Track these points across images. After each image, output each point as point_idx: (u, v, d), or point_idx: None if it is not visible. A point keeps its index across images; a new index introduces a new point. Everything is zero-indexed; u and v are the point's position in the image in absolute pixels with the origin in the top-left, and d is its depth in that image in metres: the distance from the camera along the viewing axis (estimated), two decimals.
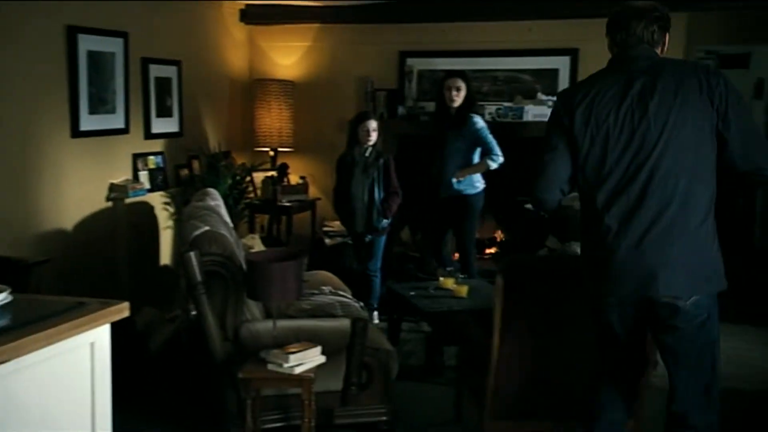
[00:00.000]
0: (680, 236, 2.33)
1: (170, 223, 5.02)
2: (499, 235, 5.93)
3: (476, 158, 4.85)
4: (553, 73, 5.52)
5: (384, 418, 3.38)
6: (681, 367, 2.50)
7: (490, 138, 4.80)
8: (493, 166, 4.80)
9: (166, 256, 5.02)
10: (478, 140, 4.82)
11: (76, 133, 4.18)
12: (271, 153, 5.85)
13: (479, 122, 4.84)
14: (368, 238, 4.83)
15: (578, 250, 4.07)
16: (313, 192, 5.87)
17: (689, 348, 2.44)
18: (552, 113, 2.60)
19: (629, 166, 2.36)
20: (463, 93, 4.79)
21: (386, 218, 4.83)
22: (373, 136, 4.72)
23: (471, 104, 4.87)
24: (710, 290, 2.42)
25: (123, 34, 4.49)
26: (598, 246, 2.43)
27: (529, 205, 3.48)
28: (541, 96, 5.45)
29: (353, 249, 5.05)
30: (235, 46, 5.93)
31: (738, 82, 8.50)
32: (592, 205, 2.43)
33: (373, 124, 4.72)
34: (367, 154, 4.76)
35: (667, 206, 2.32)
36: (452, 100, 4.79)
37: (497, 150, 4.79)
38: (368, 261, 4.92)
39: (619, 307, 2.47)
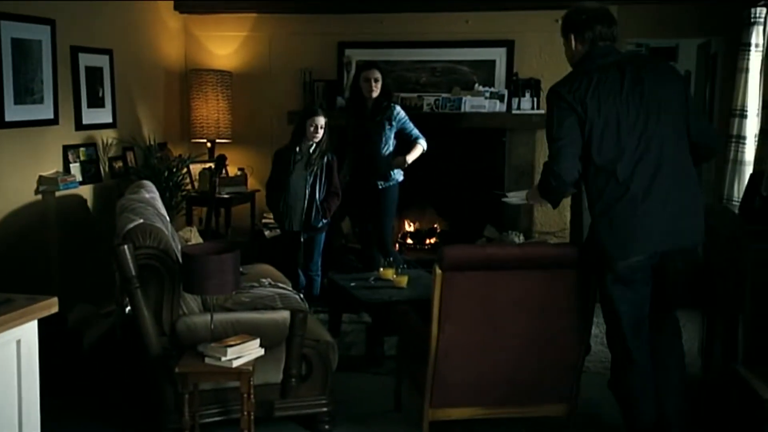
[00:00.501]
0: (689, 193, 2.92)
1: (104, 216, 4.89)
2: (438, 225, 5.98)
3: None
4: (490, 64, 5.59)
5: (324, 409, 3.38)
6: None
7: (412, 125, 4.93)
8: (425, 146, 4.92)
9: (100, 250, 4.89)
10: (403, 129, 4.90)
11: (2, 123, 4.03)
12: (209, 144, 5.76)
13: (401, 111, 4.93)
14: (304, 236, 4.77)
15: (516, 240, 4.14)
16: (252, 184, 5.81)
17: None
18: (558, 105, 2.92)
19: (640, 140, 2.82)
20: (379, 84, 4.82)
21: (326, 218, 4.78)
22: (320, 133, 4.63)
23: (388, 95, 4.92)
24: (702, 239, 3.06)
25: (50, 22, 4.35)
26: (625, 212, 2.82)
27: (508, 199, 3.59)
28: (478, 87, 5.51)
29: (286, 248, 4.92)
30: (170, 36, 5.81)
31: None
32: (612, 179, 2.83)
33: (321, 120, 4.62)
34: (311, 151, 4.68)
35: (679, 170, 2.86)
36: (370, 91, 4.80)
37: (420, 134, 4.92)
38: (308, 262, 4.86)
39: (648, 261, 2.88)
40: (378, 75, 4.81)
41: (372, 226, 5.05)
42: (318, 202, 4.70)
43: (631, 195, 2.81)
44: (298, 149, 4.66)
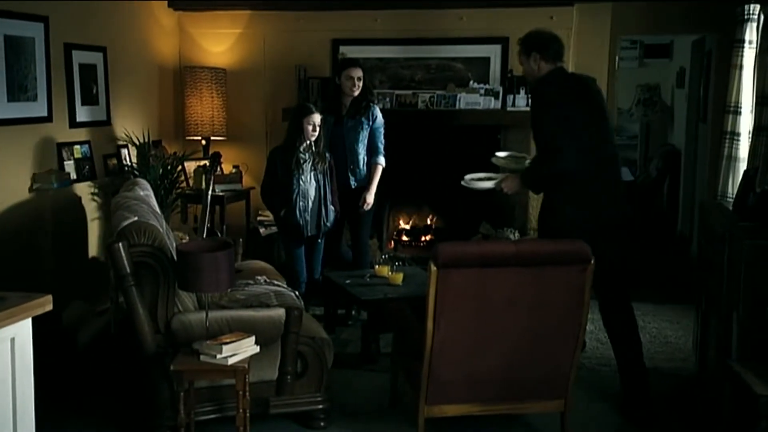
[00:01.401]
0: (619, 183, 3.74)
1: (98, 214, 4.88)
2: (433, 222, 5.99)
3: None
4: (485, 61, 5.59)
5: (320, 406, 3.38)
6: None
7: (383, 137, 4.78)
8: (383, 165, 4.78)
9: (94, 248, 4.89)
10: (374, 134, 4.74)
11: None
12: (203, 142, 5.75)
13: (380, 115, 4.78)
14: (321, 240, 4.60)
15: (511, 237, 4.27)
16: (247, 181, 5.80)
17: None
18: (554, 103, 3.50)
19: (601, 143, 3.55)
20: (361, 83, 4.69)
21: (337, 216, 4.62)
22: (318, 131, 4.45)
23: (368, 93, 4.80)
24: None
25: (43, 19, 4.33)
26: (592, 203, 3.52)
27: (474, 184, 3.93)
28: (473, 84, 5.51)
29: (295, 253, 4.57)
30: (164, 33, 5.79)
31: (661, 72, 8.83)
32: (585, 172, 3.47)
33: (318, 118, 4.43)
34: (313, 150, 4.47)
35: (616, 164, 3.69)
36: (352, 89, 4.67)
37: (383, 151, 4.78)
38: (318, 264, 4.67)
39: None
40: (360, 73, 4.69)
41: (350, 225, 4.91)
42: (329, 202, 4.51)
43: (597, 187, 3.53)
44: (302, 149, 4.44)
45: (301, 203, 4.43)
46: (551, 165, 3.50)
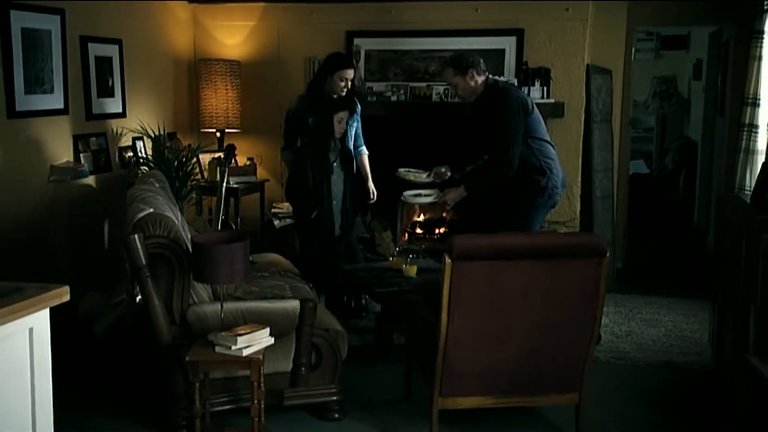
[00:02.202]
0: None
1: (114, 206, 4.91)
2: (447, 214, 5.97)
3: None
4: (500, 53, 5.55)
5: (334, 398, 3.39)
6: None
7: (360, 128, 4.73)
8: (367, 152, 4.75)
9: (110, 240, 4.92)
10: (357, 125, 4.65)
11: (12, 113, 4.04)
12: (218, 134, 5.76)
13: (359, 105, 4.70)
14: (345, 237, 4.53)
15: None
16: (261, 173, 5.80)
17: None
18: (519, 106, 4.06)
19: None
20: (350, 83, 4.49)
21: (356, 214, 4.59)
22: (344, 126, 4.36)
23: (355, 91, 4.65)
24: None
25: (59, 11, 4.35)
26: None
27: (414, 200, 4.35)
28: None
29: (325, 254, 4.49)
30: (179, 25, 5.80)
31: (678, 63, 8.76)
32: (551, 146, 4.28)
33: (344, 113, 4.33)
34: (338, 146, 4.39)
35: None
36: (342, 90, 4.41)
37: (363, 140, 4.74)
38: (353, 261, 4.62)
39: None
40: (353, 74, 4.43)
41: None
42: (351, 199, 4.46)
43: (556, 174, 4.25)
44: (332, 147, 4.34)
45: (334, 203, 4.38)
46: (503, 173, 4.01)
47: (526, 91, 5.38)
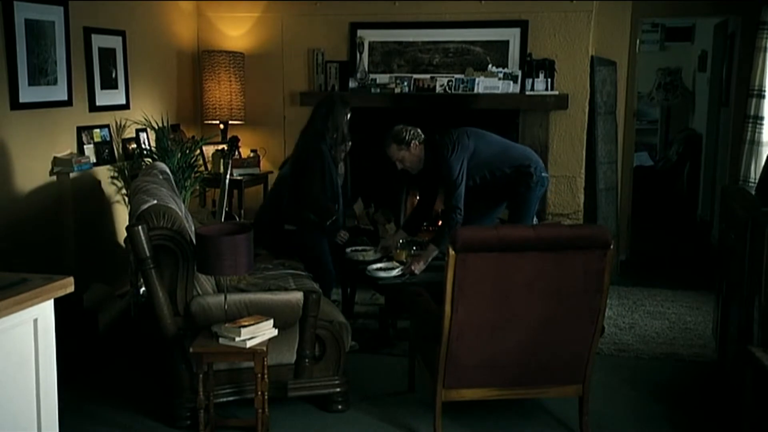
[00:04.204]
0: None
1: (118, 197, 4.91)
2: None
3: None
4: (504, 45, 5.53)
5: (338, 389, 3.40)
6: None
7: None
8: None
9: (114, 232, 4.92)
10: None
11: (16, 105, 4.03)
12: (221, 126, 5.76)
13: None
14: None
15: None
16: (264, 165, 5.80)
17: None
18: (458, 149, 4.24)
19: None
20: None
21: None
22: None
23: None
24: None
25: (63, 2, 4.34)
26: None
27: (379, 273, 4.17)
28: (492, 68, 5.46)
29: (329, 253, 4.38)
30: (182, 17, 5.79)
31: (682, 55, 8.73)
32: (522, 157, 4.46)
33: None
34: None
35: None
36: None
37: None
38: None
39: None
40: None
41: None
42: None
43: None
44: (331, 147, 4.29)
45: (341, 201, 4.36)
46: (456, 218, 4.16)
47: (530, 83, 5.38)
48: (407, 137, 4.28)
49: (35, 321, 1.93)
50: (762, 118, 4.43)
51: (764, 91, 4.41)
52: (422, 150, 4.31)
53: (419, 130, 4.32)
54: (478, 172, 4.31)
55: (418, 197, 5.19)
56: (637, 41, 5.85)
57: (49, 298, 1.95)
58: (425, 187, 4.68)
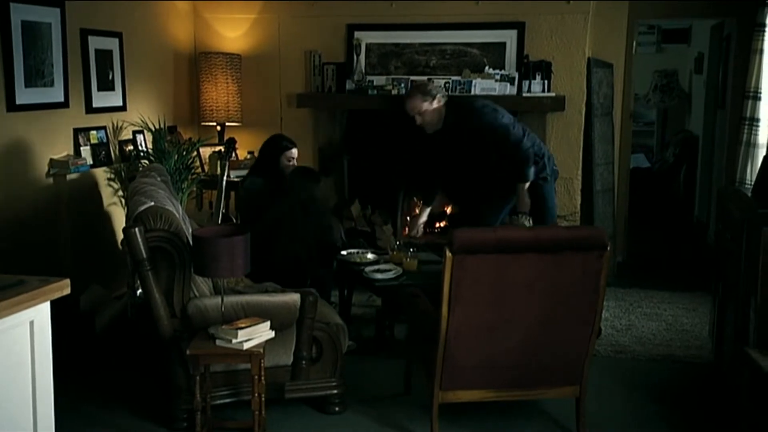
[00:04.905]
0: None
1: (115, 199, 4.91)
2: (448, 208, 5.97)
3: None
4: (501, 46, 5.54)
5: (335, 391, 3.40)
6: None
7: None
8: None
9: (111, 233, 4.92)
10: None
11: (12, 106, 4.03)
12: (218, 128, 5.76)
13: None
14: None
15: (526, 224, 4.45)
16: None
17: None
18: (511, 120, 4.35)
19: None
20: None
21: None
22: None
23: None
24: None
25: (59, 4, 4.34)
26: None
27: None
28: (488, 70, 5.46)
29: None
30: (179, 18, 5.79)
31: (679, 57, 8.71)
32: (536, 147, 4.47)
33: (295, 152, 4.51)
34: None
35: None
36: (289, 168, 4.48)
37: None
38: None
39: None
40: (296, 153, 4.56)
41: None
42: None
43: None
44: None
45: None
46: (529, 166, 4.30)
47: (527, 85, 5.39)
48: (433, 90, 4.28)
49: (31, 323, 1.93)
50: (758, 120, 4.43)
51: (760, 93, 4.41)
52: (444, 109, 4.26)
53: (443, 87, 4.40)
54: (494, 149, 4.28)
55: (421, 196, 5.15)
56: (634, 43, 5.86)
57: (45, 300, 1.95)
58: (441, 154, 4.55)
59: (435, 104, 4.27)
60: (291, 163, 4.51)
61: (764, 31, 4.37)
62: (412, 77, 5.56)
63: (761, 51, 4.38)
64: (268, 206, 4.14)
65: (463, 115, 4.33)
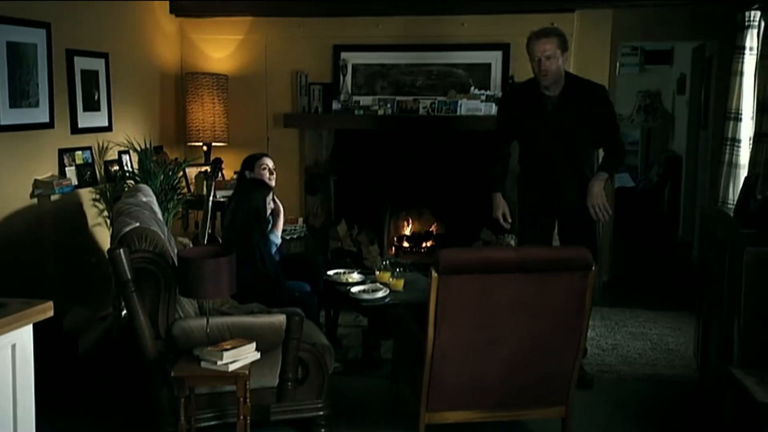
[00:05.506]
0: None
1: (100, 220, 4.88)
2: (434, 228, 5.99)
3: None
4: (486, 67, 5.59)
5: (321, 413, 3.38)
6: None
7: None
8: None
9: (96, 254, 4.88)
10: None
11: None
12: (205, 148, 5.75)
13: None
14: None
15: (512, 243, 4.39)
16: None
17: None
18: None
19: None
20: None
21: None
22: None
23: None
24: None
25: (45, 25, 4.34)
26: None
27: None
28: (474, 90, 5.51)
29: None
30: (166, 39, 5.80)
31: (662, 78, 8.84)
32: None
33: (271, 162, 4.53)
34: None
35: None
36: (270, 179, 4.52)
37: None
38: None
39: None
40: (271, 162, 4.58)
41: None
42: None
43: None
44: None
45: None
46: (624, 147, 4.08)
47: None
48: (565, 44, 3.82)
49: (13, 346, 1.91)
50: (739, 141, 4.49)
51: (741, 114, 4.47)
52: (564, 71, 3.84)
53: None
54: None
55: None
56: (617, 64, 5.93)
57: (27, 323, 1.93)
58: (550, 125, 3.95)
59: (566, 59, 3.83)
60: (264, 171, 4.49)
61: (743, 53, 4.44)
62: (399, 97, 5.60)
63: (741, 73, 4.45)
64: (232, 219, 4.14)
65: (587, 83, 4.01)
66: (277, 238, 4.32)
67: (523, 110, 4.01)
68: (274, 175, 4.56)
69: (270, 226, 4.25)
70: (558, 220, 4.11)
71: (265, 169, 4.51)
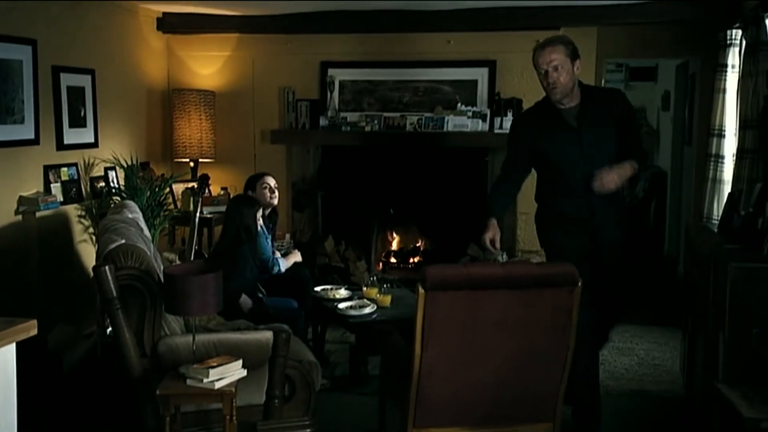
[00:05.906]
0: None
1: (85, 236, 4.86)
2: (422, 244, 5.99)
3: None
4: (472, 84, 5.64)
5: (308, 430, 3.35)
6: None
7: None
8: None
9: (81, 271, 4.85)
10: None
11: None
12: (192, 164, 5.75)
13: None
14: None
15: (499, 259, 4.30)
16: None
17: None
18: None
19: None
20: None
21: None
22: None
23: None
24: None
25: (31, 41, 4.33)
26: None
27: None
28: (461, 106, 5.55)
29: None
30: (153, 55, 5.81)
31: (646, 94, 8.94)
32: None
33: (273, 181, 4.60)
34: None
35: None
36: (271, 198, 4.62)
37: None
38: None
39: None
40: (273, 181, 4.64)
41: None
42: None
43: None
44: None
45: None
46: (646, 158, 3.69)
47: (498, 122, 5.46)
48: (575, 51, 3.37)
49: None
50: (723, 157, 4.54)
51: (724, 130, 4.53)
52: (577, 81, 3.43)
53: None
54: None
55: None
56: (602, 80, 5.99)
57: (10, 342, 1.91)
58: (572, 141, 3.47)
59: (575, 67, 3.36)
60: (265, 190, 4.53)
61: (726, 71, 4.51)
62: (386, 114, 5.62)
63: (724, 90, 4.51)
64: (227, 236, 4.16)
65: (608, 91, 3.82)
66: (283, 264, 4.49)
67: (542, 130, 3.51)
68: (276, 194, 4.58)
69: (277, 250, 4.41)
70: (591, 266, 3.41)
71: (266, 188, 4.54)
